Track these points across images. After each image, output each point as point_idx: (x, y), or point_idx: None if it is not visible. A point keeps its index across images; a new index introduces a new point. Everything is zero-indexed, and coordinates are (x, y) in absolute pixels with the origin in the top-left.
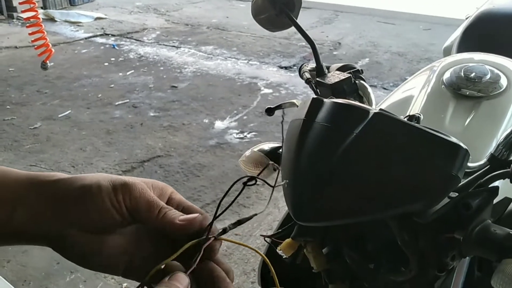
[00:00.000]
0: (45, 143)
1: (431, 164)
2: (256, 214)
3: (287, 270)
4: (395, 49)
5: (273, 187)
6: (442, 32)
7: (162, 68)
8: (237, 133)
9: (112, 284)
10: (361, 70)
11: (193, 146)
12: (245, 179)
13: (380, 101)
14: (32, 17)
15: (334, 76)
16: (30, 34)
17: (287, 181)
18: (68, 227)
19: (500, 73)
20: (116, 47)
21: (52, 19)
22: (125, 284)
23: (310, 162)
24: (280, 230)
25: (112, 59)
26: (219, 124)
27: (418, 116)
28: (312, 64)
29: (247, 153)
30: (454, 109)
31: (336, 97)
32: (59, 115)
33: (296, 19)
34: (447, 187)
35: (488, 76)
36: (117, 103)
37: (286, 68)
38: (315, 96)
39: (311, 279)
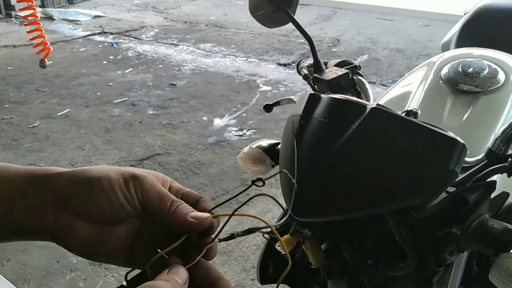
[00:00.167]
0: (44, 141)
1: (429, 159)
2: (269, 226)
3: (286, 266)
4: (394, 46)
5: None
6: (441, 28)
7: (160, 66)
8: (236, 131)
9: (112, 282)
10: (359, 65)
11: (192, 144)
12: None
13: (379, 97)
14: (30, 15)
15: (331, 72)
16: (28, 32)
17: (286, 171)
18: (74, 219)
19: (498, 68)
20: (114, 45)
21: (50, 18)
22: (124, 283)
23: (308, 158)
24: (278, 226)
25: (111, 57)
26: (218, 122)
27: (416, 111)
28: (310, 60)
29: (245, 149)
30: (452, 104)
31: (334, 93)
32: (58, 114)
33: (294, 15)
34: (444, 181)
35: (486, 71)
36: (115, 101)
37: (285, 65)
38: (312, 92)
39: (309, 275)
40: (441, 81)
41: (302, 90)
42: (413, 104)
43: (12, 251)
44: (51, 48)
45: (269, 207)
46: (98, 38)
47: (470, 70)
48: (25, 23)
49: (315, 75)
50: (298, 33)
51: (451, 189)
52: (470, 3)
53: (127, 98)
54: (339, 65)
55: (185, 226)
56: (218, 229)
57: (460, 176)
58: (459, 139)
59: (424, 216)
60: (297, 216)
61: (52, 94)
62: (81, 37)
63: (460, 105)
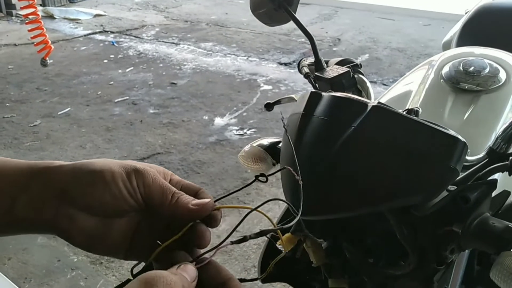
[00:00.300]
0: (45, 140)
1: (430, 157)
2: (278, 229)
3: (287, 265)
4: (394, 45)
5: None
6: (441, 28)
7: (161, 65)
8: (236, 130)
9: (113, 280)
10: (360, 64)
11: (193, 143)
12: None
13: (380, 96)
14: (32, 13)
15: (332, 71)
16: (29, 31)
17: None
18: (75, 211)
19: (499, 67)
20: (115, 44)
21: (51, 16)
22: (131, 277)
23: (309, 156)
24: (279, 225)
25: (111, 56)
26: (218, 121)
27: (417, 110)
28: (311, 59)
29: (247, 148)
30: (453, 103)
31: (335, 91)
32: (59, 113)
33: (295, 13)
34: (445, 180)
35: (487, 70)
36: (116, 100)
37: (285, 64)
38: (313, 90)
39: (310, 274)
40: (442, 80)
41: (303, 89)
42: (414, 103)
43: (13, 250)
44: (52, 46)
45: (270, 207)
46: (99, 37)
47: (471, 69)
48: (26, 21)
49: (316, 73)
50: (299, 32)
51: (452, 187)
52: (471, 2)
53: (128, 97)
54: (340, 63)
55: (188, 214)
56: (231, 231)
57: (461, 175)
58: (460, 137)
59: (425, 214)
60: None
61: (53, 93)
62: (81, 36)
63: (461, 104)
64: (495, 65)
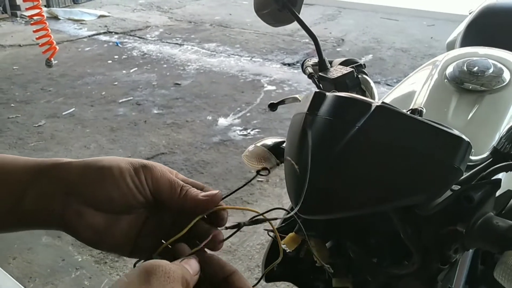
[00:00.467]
0: (50, 140)
1: (433, 157)
2: (276, 219)
3: (291, 264)
4: (398, 45)
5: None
6: (445, 28)
7: (165, 65)
8: (240, 130)
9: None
10: (364, 64)
11: (196, 143)
12: (259, 167)
13: (384, 96)
14: (36, 14)
15: (336, 71)
16: (34, 31)
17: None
18: (82, 206)
19: (503, 67)
20: (119, 44)
21: (55, 17)
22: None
23: (313, 155)
24: (283, 224)
25: (116, 56)
26: (222, 121)
27: (421, 110)
28: (315, 59)
29: (250, 148)
30: (457, 103)
31: (339, 91)
32: (63, 113)
33: (299, 14)
34: (449, 179)
35: (491, 70)
36: (120, 101)
37: (289, 65)
38: (317, 90)
39: (314, 273)
40: (446, 80)
41: (306, 89)
42: (418, 103)
43: (18, 249)
44: (57, 47)
45: (273, 206)
46: (103, 37)
47: (475, 69)
48: (31, 22)
49: (320, 73)
50: (302, 32)
51: (456, 187)
52: (475, 2)
53: (132, 98)
54: (344, 63)
55: (197, 206)
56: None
57: (465, 175)
58: (464, 136)
59: (429, 214)
60: (302, 214)
61: (57, 93)
62: (86, 37)
63: (465, 104)
64: (499, 65)
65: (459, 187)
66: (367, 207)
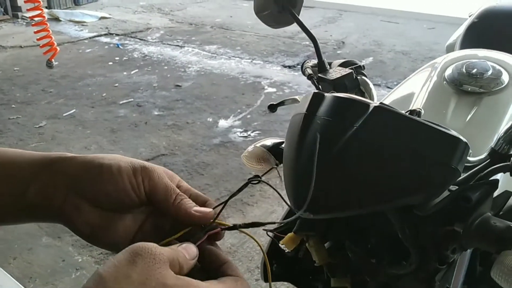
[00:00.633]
0: (50, 141)
1: (431, 157)
2: (275, 223)
3: (290, 264)
4: (399, 48)
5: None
6: (446, 31)
7: (166, 67)
8: (241, 132)
9: None
10: (363, 66)
11: (197, 145)
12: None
13: (383, 98)
14: (38, 15)
15: (335, 72)
16: (35, 32)
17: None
18: (81, 201)
19: (502, 69)
20: (120, 46)
21: (56, 19)
22: None
23: (311, 156)
24: (282, 225)
25: (117, 58)
26: (223, 123)
27: (419, 111)
28: (314, 60)
29: (250, 148)
30: (455, 105)
31: (338, 92)
32: (64, 114)
33: (298, 15)
34: (447, 179)
35: (489, 72)
36: (121, 102)
37: (290, 67)
38: (316, 91)
39: (313, 273)
40: (445, 82)
41: (307, 91)
42: (417, 104)
43: (18, 250)
44: (58, 48)
45: (274, 208)
46: (104, 39)
47: (474, 71)
48: (32, 23)
49: (319, 75)
50: (303, 35)
51: (453, 187)
52: (474, 5)
53: (132, 99)
54: (343, 65)
55: (188, 219)
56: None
57: (463, 175)
58: (461, 137)
59: (427, 214)
60: (301, 214)
61: (58, 94)
62: (87, 38)
63: (464, 105)
64: (497, 67)
65: (457, 187)
66: (365, 207)
